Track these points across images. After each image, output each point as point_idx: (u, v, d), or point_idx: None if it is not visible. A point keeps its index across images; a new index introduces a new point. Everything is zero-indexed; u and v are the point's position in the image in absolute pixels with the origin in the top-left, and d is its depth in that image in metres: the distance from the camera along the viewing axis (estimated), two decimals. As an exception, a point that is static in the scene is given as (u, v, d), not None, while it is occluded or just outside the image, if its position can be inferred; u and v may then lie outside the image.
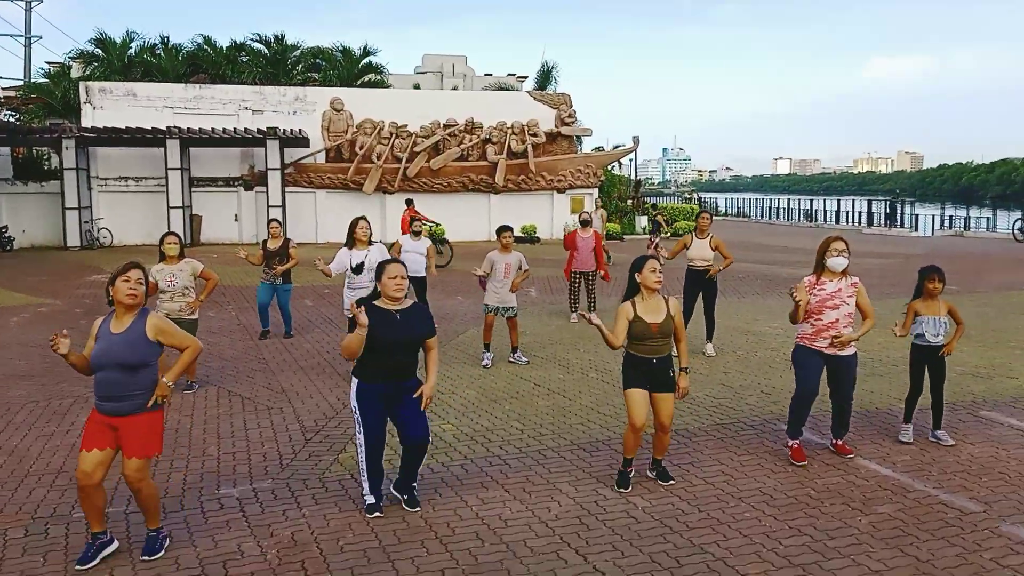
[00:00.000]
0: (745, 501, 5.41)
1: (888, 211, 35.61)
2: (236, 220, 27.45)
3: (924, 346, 6.62)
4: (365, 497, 5.25)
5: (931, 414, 6.72)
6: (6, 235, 25.16)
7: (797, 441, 6.25)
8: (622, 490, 5.58)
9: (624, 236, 29.66)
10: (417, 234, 11.41)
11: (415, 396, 5.20)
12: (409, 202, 21.72)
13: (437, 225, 22.97)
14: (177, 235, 8.61)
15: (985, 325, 11.89)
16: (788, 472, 5.95)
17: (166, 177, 25.38)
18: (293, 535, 4.93)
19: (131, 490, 4.66)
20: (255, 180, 27.33)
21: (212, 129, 25.72)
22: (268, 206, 26.07)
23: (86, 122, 25.88)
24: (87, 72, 30.06)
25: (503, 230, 9.85)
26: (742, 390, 8.37)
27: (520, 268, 9.57)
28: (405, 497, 5.38)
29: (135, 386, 4.53)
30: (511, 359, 9.69)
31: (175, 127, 25.37)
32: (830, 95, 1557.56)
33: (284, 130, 26.35)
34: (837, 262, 6.15)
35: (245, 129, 26.07)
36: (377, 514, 5.16)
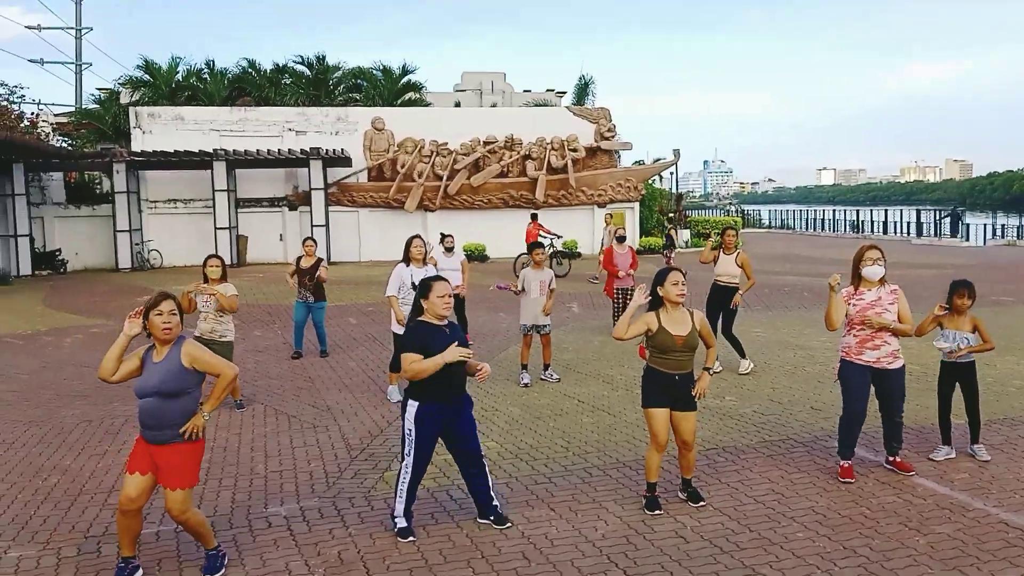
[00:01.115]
0: (797, 521, 5.29)
1: (952, 221, 34.27)
2: (281, 240, 27.84)
3: (948, 362, 6.54)
4: (397, 520, 5.18)
5: (971, 427, 6.58)
6: (60, 258, 25.85)
7: (848, 461, 6.11)
8: (656, 512, 5.45)
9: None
10: (450, 250, 11.50)
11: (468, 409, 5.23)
12: (534, 216, 22.33)
13: (559, 238, 23.00)
14: (220, 258, 8.71)
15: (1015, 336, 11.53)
16: (841, 491, 5.81)
17: (213, 199, 25.87)
18: (340, 554, 4.94)
19: (176, 523, 4.71)
20: (299, 200, 27.72)
21: (257, 151, 26.18)
22: (312, 225, 26.40)
23: (136, 146, 26.52)
24: (135, 97, 30.83)
25: (535, 247, 9.86)
26: (791, 405, 8.22)
27: (551, 286, 9.60)
28: (492, 518, 5.32)
29: (173, 415, 4.54)
30: (543, 376, 9.66)
31: (221, 149, 25.89)
32: (873, 103, 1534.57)
33: (327, 150, 26.73)
34: (873, 271, 6.03)
35: (289, 150, 26.50)
36: (411, 539, 5.10)
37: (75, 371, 10.78)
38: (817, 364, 10.22)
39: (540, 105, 37.16)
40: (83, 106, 35.83)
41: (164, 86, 30.72)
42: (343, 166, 27.62)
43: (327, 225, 26.48)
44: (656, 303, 5.55)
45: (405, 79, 33.67)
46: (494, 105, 39.97)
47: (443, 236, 12.25)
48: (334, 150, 27.02)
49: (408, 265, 8.78)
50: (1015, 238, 34.94)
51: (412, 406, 5.11)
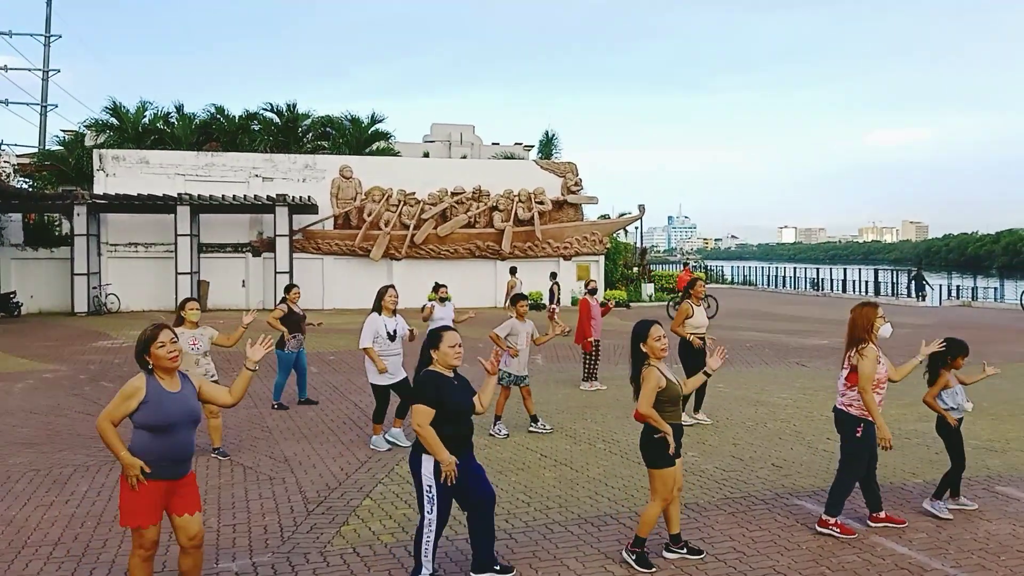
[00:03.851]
0: (758, 580, 5.25)
1: (916, 282, 34.86)
2: (243, 286, 27.59)
3: (959, 418, 6.65)
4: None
5: (941, 484, 6.63)
6: (14, 300, 25.30)
7: (838, 519, 6.14)
8: (651, 571, 5.36)
9: (631, 303, 29.66)
10: (444, 300, 11.81)
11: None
12: (685, 264, 23.34)
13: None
14: (198, 300, 8.68)
15: (996, 397, 11.73)
16: (802, 549, 5.79)
17: (175, 243, 25.63)
18: (293, 613, 4.79)
19: (191, 551, 4.56)
20: (263, 246, 27.56)
21: (223, 196, 26.06)
22: (276, 272, 26.24)
23: (98, 189, 26.26)
24: (101, 140, 30.64)
25: (519, 298, 9.83)
26: (752, 462, 8.22)
27: (533, 336, 9.68)
28: (497, 568, 5.18)
29: (194, 443, 4.67)
30: (532, 429, 9.58)
31: (186, 194, 25.73)
32: (834, 164, 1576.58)
33: (293, 197, 26.70)
34: (886, 329, 6.21)
35: (255, 196, 26.43)
36: None
37: (24, 417, 10.46)
38: (779, 420, 10.27)
39: (508, 158, 37.58)
40: (46, 147, 35.50)
41: (131, 129, 30.61)
42: (309, 213, 27.60)
43: (291, 272, 26.31)
44: (640, 359, 5.50)
45: (374, 128, 33.93)
46: (463, 157, 40.30)
47: (438, 286, 12.42)
48: (301, 197, 27.00)
49: (380, 314, 8.79)
50: (970, 299, 35.76)
51: (428, 461, 4.96)
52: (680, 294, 24.35)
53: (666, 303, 26.92)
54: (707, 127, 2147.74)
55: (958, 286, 40.26)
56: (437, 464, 4.91)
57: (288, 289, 11.35)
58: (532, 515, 6.55)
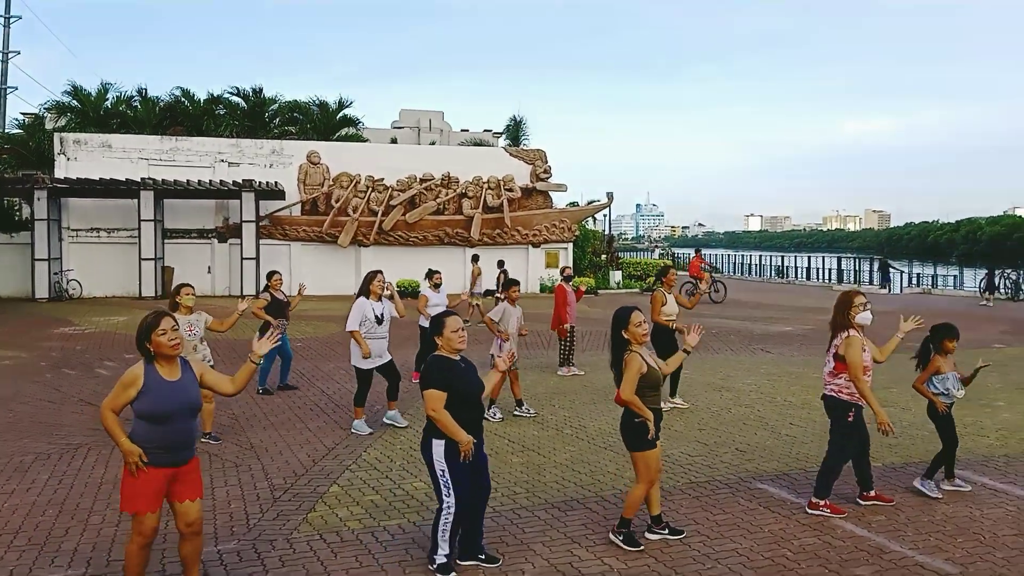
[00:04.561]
0: (722, 563, 5.33)
1: (881, 271, 35.32)
2: (209, 272, 27.25)
3: (949, 403, 6.81)
4: (437, 560, 5.03)
5: (932, 465, 6.85)
6: (-28, 286, 24.77)
7: (827, 499, 6.28)
8: (639, 549, 5.49)
9: (599, 291, 29.79)
10: (438, 286, 12.05)
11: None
12: (697, 250, 26.67)
13: (716, 270, 26.02)
14: (192, 286, 8.64)
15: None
16: (764, 532, 5.89)
17: (139, 229, 25.22)
18: (259, 599, 4.78)
19: (190, 537, 4.60)
20: (229, 232, 27.23)
21: (188, 181, 25.68)
22: (242, 258, 25.96)
23: (59, 173, 25.73)
24: (62, 123, 30.02)
25: (513, 284, 10.39)
26: (716, 447, 8.33)
27: (522, 322, 10.08)
28: (483, 557, 5.23)
29: (195, 430, 4.70)
30: (517, 412, 9.78)
31: (150, 178, 25.31)
32: (799, 153, 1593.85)
33: (260, 183, 26.38)
34: (866, 316, 6.26)
35: (221, 181, 26.07)
36: (453, 574, 5.01)
37: (-17, 405, 10.27)
38: (743, 406, 10.41)
39: (477, 144, 37.51)
40: (6, 131, 34.73)
41: (92, 113, 30.03)
42: (276, 199, 27.30)
43: (257, 258, 26.03)
44: (621, 346, 5.58)
45: (342, 113, 33.64)
46: (432, 143, 40.18)
47: (431, 272, 12.57)
48: (268, 183, 26.69)
49: (368, 299, 8.99)
50: (930, 286, 36.41)
51: (438, 445, 5.01)
52: (695, 279, 25.97)
53: (684, 285, 27.50)
54: (677, 116, 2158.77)
55: (918, 274, 40.95)
56: (448, 446, 4.97)
57: (270, 276, 11.47)
58: (499, 500, 6.58)
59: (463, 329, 5.22)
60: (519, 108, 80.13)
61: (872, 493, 6.50)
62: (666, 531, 5.73)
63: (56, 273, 25.24)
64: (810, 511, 6.22)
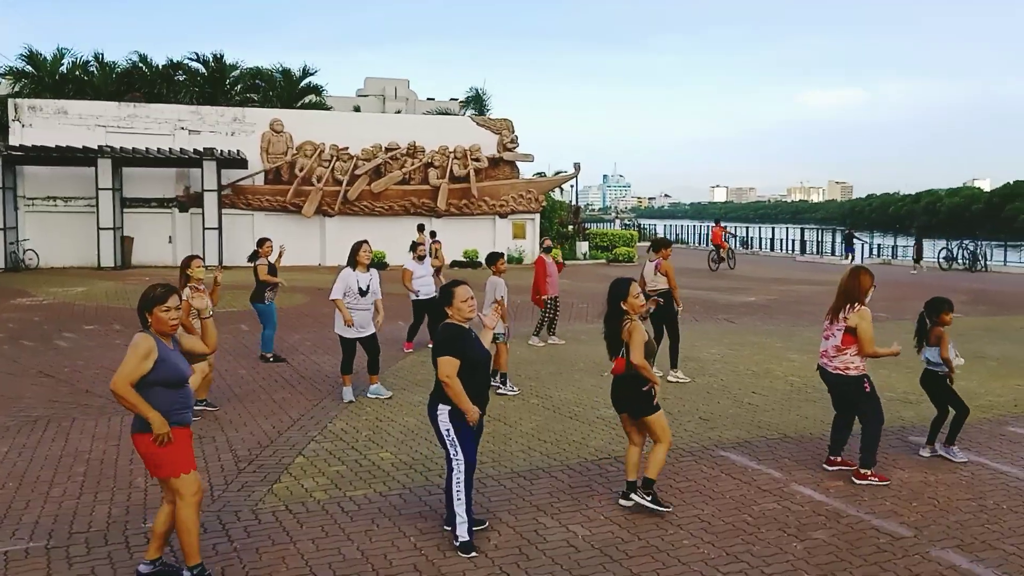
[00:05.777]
0: (684, 528, 5.43)
1: (846, 242, 35.79)
2: (170, 242, 26.83)
3: (943, 374, 7.15)
4: (460, 536, 5.02)
5: (951, 432, 7.06)
6: (-75, 256, 24.15)
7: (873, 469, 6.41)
8: (669, 508, 5.64)
9: (566, 261, 29.84)
10: (422, 258, 11.94)
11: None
12: (717, 220, 29.03)
13: (733, 236, 27.61)
14: (201, 257, 8.49)
15: (911, 352, 12.20)
16: (725, 499, 6.00)
17: (96, 198, 24.73)
18: (224, 570, 4.77)
19: (169, 504, 4.62)
20: (190, 201, 26.79)
21: (147, 149, 25.19)
22: (204, 228, 25.59)
23: (14, 140, 25.10)
24: (16, 89, 29.21)
25: (498, 257, 10.46)
26: (680, 416, 8.43)
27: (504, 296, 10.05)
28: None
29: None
30: (500, 390, 9.31)
31: (107, 146, 24.78)
32: (765, 124, 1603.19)
33: (222, 151, 25.95)
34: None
35: (181, 149, 25.60)
36: (473, 554, 4.97)
37: (-62, 378, 10.05)
38: (707, 375, 10.53)
39: (443, 114, 37.17)
40: (-44, 96, 33.67)
41: (48, 78, 29.28)
42: (239, 168, 26.89)
43: (220, 228, 25.68)
44: (617, 315, 5.67)
45: (306, 81, 33.15)
46: (398, 111, 39.76)
47: (415, 244, 12.52)
48: (230, 151, 26.27)
49: (354, 270, 8.93)
50: (890, 257, 37.02)
51: (443, 410, 5.10)
52: (716, 247, 29.05)
53: (708, 253, 30.10)
54: (644, 87, 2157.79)
55: (879, 244, 41.63)
56: (452, 411, 5.05)
57: (261, 243, 11.52)
58: (465, 470, 6.60)
59: (472, 298, 5.28)
60: (484, 79, 79.69)
61: (839, 459, 6.67)
62: (651, 498, 5.76)
63: (12, 243, 24.71)
64: (857, 481, 6.32)
